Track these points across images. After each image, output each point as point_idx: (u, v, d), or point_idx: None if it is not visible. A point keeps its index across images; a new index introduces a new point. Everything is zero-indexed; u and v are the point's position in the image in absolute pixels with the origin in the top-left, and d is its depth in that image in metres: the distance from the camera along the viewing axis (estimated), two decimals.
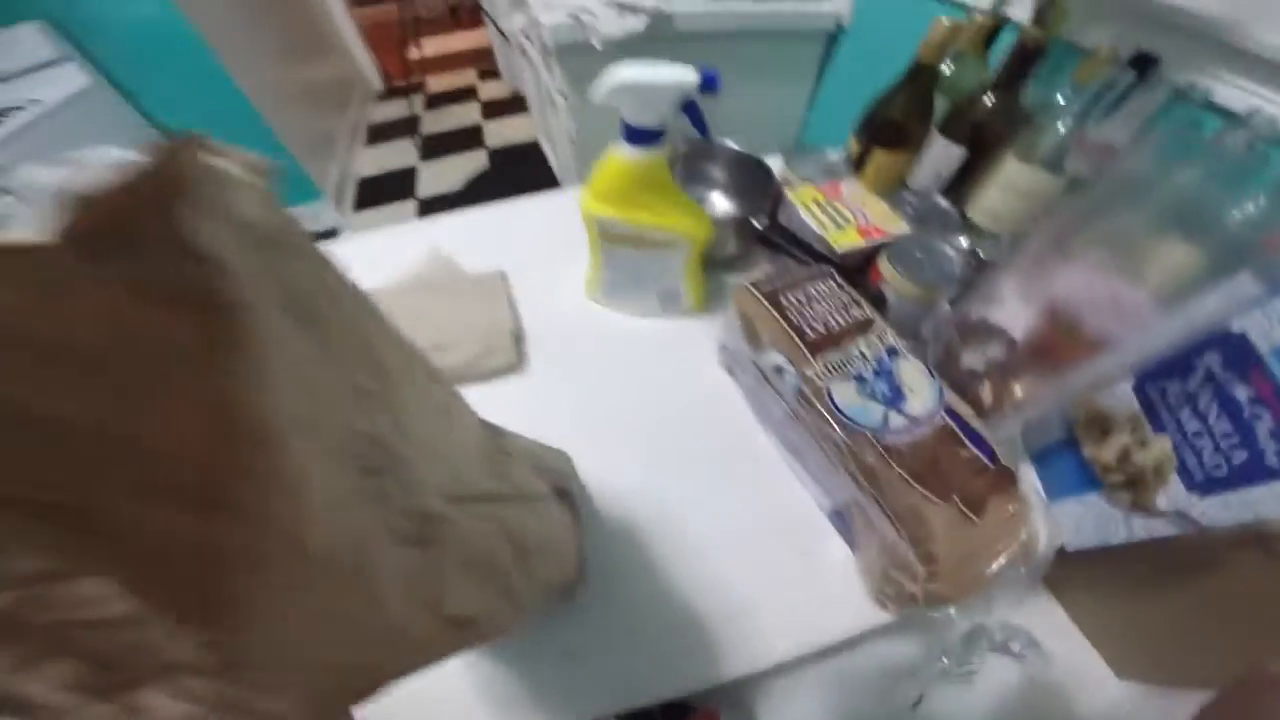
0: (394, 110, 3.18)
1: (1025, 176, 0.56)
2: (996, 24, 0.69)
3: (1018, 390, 0.46)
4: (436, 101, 3.18)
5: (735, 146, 0.67)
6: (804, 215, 0.56)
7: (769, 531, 0.46)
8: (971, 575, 0.34)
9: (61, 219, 0.10)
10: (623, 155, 0.46)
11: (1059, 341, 0.43)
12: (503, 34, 2.65)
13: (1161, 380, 0.35)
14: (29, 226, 0.10)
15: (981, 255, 0.55)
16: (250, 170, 0.16)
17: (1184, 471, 0.33)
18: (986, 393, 0.48)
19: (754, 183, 0.65)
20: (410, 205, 2.43)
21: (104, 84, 1.64)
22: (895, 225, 0.56)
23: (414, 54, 2.88)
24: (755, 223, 0.58)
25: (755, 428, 0.52)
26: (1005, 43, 0.71)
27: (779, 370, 0.46)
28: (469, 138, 2.85)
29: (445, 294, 0.61)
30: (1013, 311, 0.47)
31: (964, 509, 0.35)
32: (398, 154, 2.79)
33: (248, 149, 0.15)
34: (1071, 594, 0.43)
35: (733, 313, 0.50)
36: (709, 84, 0.41)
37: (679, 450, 0.50)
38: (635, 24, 1.02)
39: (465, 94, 3.30)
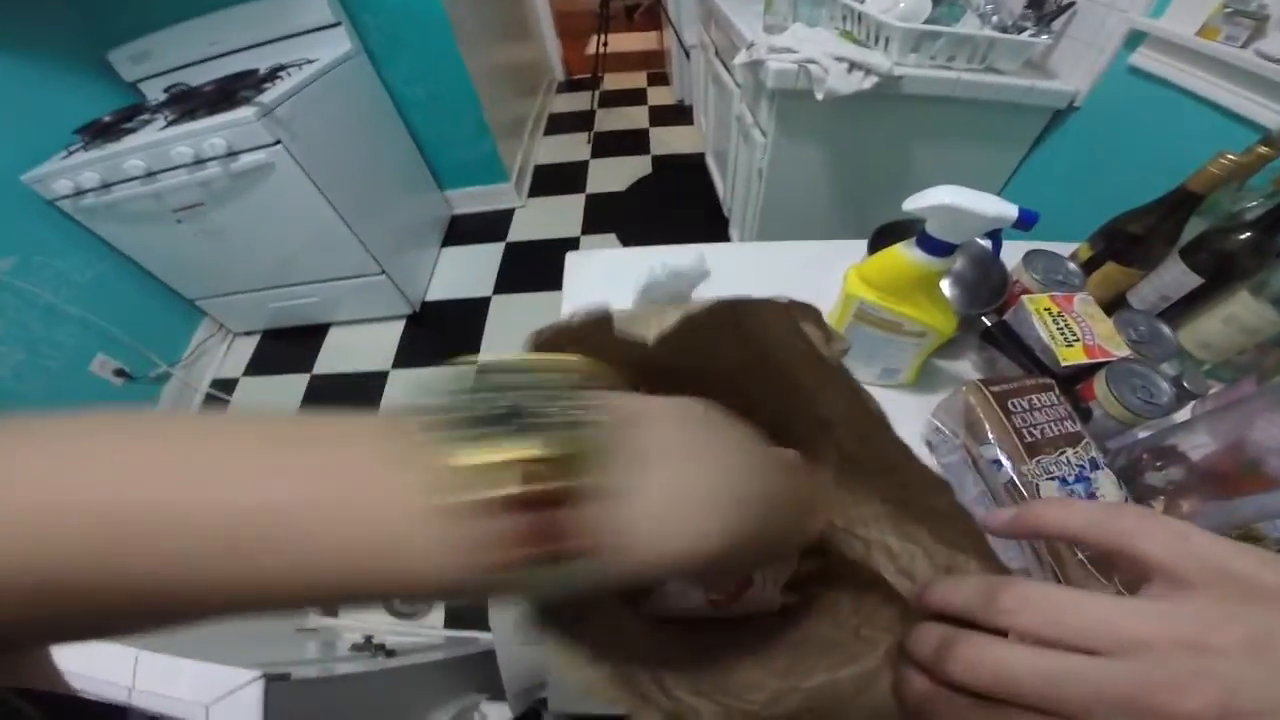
0: (572, 103, 3.36)
1: (1254, 313, 0.56)
2: (1273, 156, 0.68)
3: (1185, 506, 0.49)
4: (609, 100, 3.30)
5: (980, 240, 0.70)
6: (1037, 324, 0.59)
7: None
8: None
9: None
10: (911, 257, 0.51)
11: (1237, 474, 0.45)
12: (683, 46, 2.73)
13: None
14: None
15: (1187, 385, 0.56)
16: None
17: None
18: (1160, 506, 0.51)
19: (985, 277, 0.68)
20: (579, 199, 2.56)
21: (360, 50, 1.84)
22: (1118, 348, 0.57)
23: (592, 49, 2.97)
24: (985, 319, 0.62)
25: None
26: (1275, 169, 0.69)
27: (995, 463, 0.51)
28: (636, 140, 2.95)
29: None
30: (1201, 440, 0.49)
31: (1120, 589, 0.41)
32: (572, 146, 2.94)
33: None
34: None
35: (959, 401, 0.55)
36: (1026, 220, 0.43)
37: None
38: (864, 83, 1.06)
39: (636, 96, 3.42)
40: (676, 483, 0.17)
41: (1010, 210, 0.43)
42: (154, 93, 1.77)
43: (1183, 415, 0.58)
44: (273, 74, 1.54)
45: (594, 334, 0.22)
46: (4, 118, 1.45)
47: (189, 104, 1.45)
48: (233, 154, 1.38)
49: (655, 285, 0.31)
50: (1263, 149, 0.67)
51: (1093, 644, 0.16)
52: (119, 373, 1.69)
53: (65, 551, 0.13)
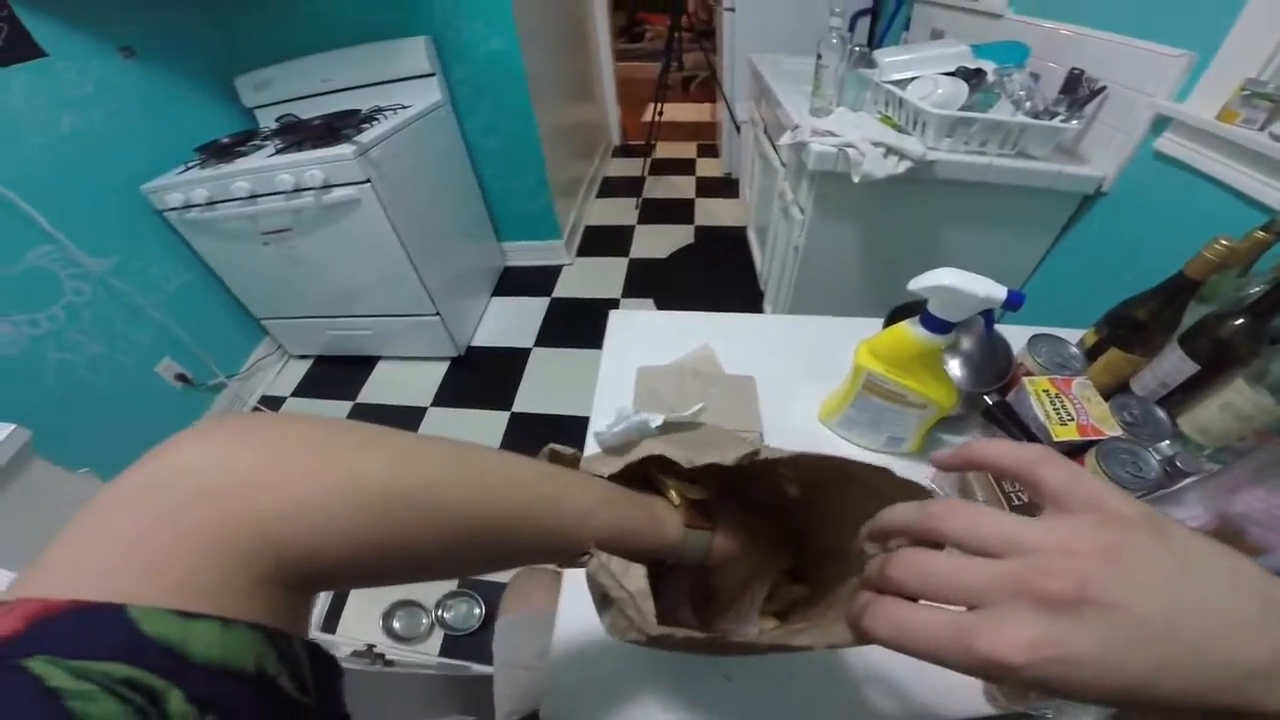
0: (624, 168, 3.54)
1: (1249, 400, 0.57)
2: (1275, 240, 0.70)
3: None
4: (660, 168, 3.44)
5: (983, 322, 0.76)
6: (1034, 404, 0.63)
7: None
8: None
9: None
10: (915, 334, 0.57)
11: (1221, 541, 0.48)
12: (735, 121, 2.86)
13: None
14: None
15: (1180, 464, 0.59)
16: None
17: None
18: None
19: (992, 358, 0.73)
20: (623, 262, 2.66)
21: (447, 101, 2.00)
22: (1110, 428, 0.61)
23: (648, 116, 3.08)
24: (987, 399, 0.67)
25: None
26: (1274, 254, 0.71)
27: None
28: (682, 210, 3.07)
29: (705, 382, 0.75)
30: (1191, 513, 0.51)
31: None
32: (621, 211, 3.07)
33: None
34: None
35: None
36: (1014, 302, 0.49)
37: None
38: (898, 168, 1.16)
39: (685, 165, 3.57)
40: None
41: (999, 292, 0.49)
42: (266, 119, 1.97)
43: None
44: (371, 116, 1.71)
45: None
46: (139, 127, 1.64)
47: (297, 135, 1.61)
48: (327, 187, 1.52)
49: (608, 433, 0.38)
50: (1260, 234, 0.69)
51: (995, 547, 0.22)
52: (180, 377, 1.80)
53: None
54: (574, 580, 0.57)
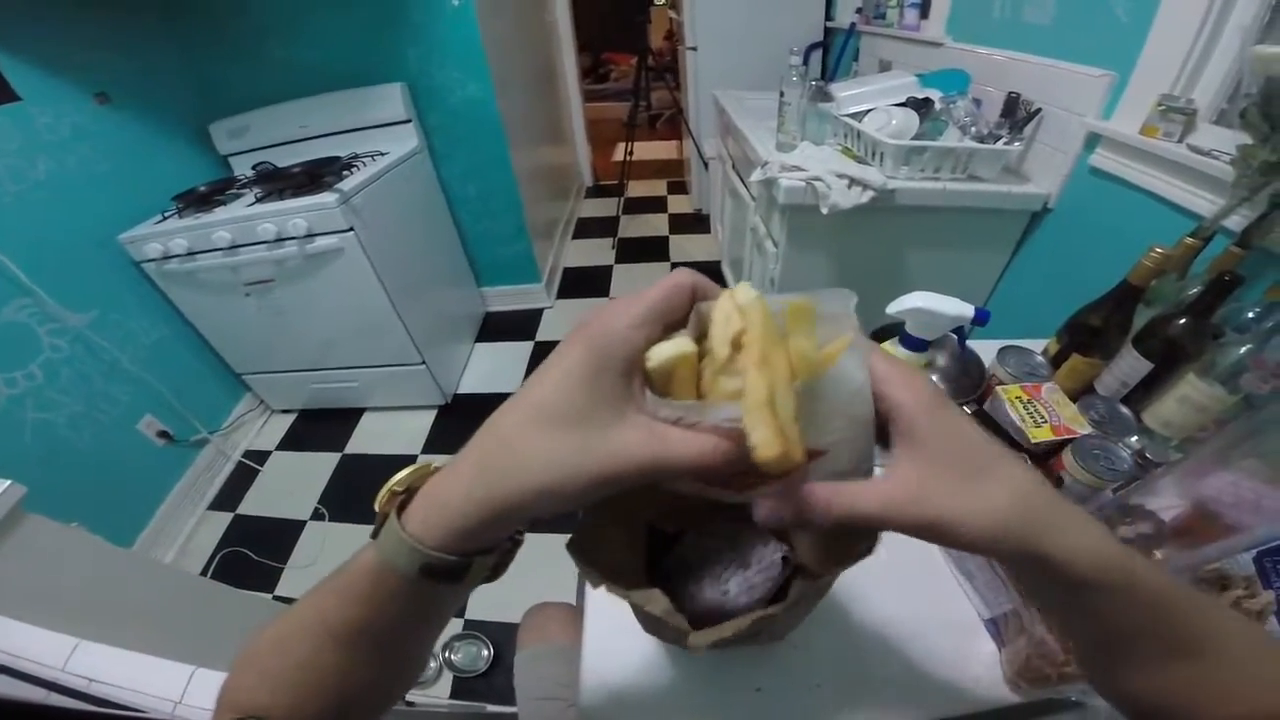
0: (598, 208, 3.59)
1: (1202, 392, 0.63)
2: (1203, 245, 0.77)
3: (1158, 555, 0.55)
4: (633, 206, 3.50)
5: (956, 339, 0.81)
6: (1010, 410, 0.68)
7: (933, 625, 0.57)
8: None
9: None
10: (898, 353, 0.62)
11: (1199, 525, 0.52)
12: (703, 158, 2.94)
13: (1278, 555, 0.48)
14: None
15: (1149, 456, 0.64)
16: None
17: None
18: None
19: (965, 372, 0.78)
20: (603, 303, 2.69)
21: (424, 147, 2.03)
22: (1081, 426, 0.66)
23: (619, 156, 3.12)
24: (965, 409, 0.72)
25: (934, 550, 0.64)
26: (1209, 255, 0.79)
27: None
28: (656, 247, 3.13)
29: None
30: (1166, 502, 0.56)
31: None
32: (598, 251, 3.12)
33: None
34: None
35: None
36: (981, 319, 0.55)
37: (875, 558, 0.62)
38: (862, 198, 1.23)
39: (657, 203, 3.64)
40: None
41: (967, 310, 0.55)
42: (241, 167, 1.96)
43: None
44: (350, 163, 1.72)
45: None
46: (114, 175, 1.62)
47: (277, 183, 1.60)
48: (310, 236, 1.52)
49: None
50: (1190, 240, 0.78)
51: None
52: (162, 434, 1.76)
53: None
54: (596, 611, 0.58)
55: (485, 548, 0.27)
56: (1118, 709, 0.32)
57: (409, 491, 0.27)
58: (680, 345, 0.26)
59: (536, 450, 0.24)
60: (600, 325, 0.25)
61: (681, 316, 0.28)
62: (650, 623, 0.41)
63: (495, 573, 0.30)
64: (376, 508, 0.28)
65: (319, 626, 0.28)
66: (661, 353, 0.25)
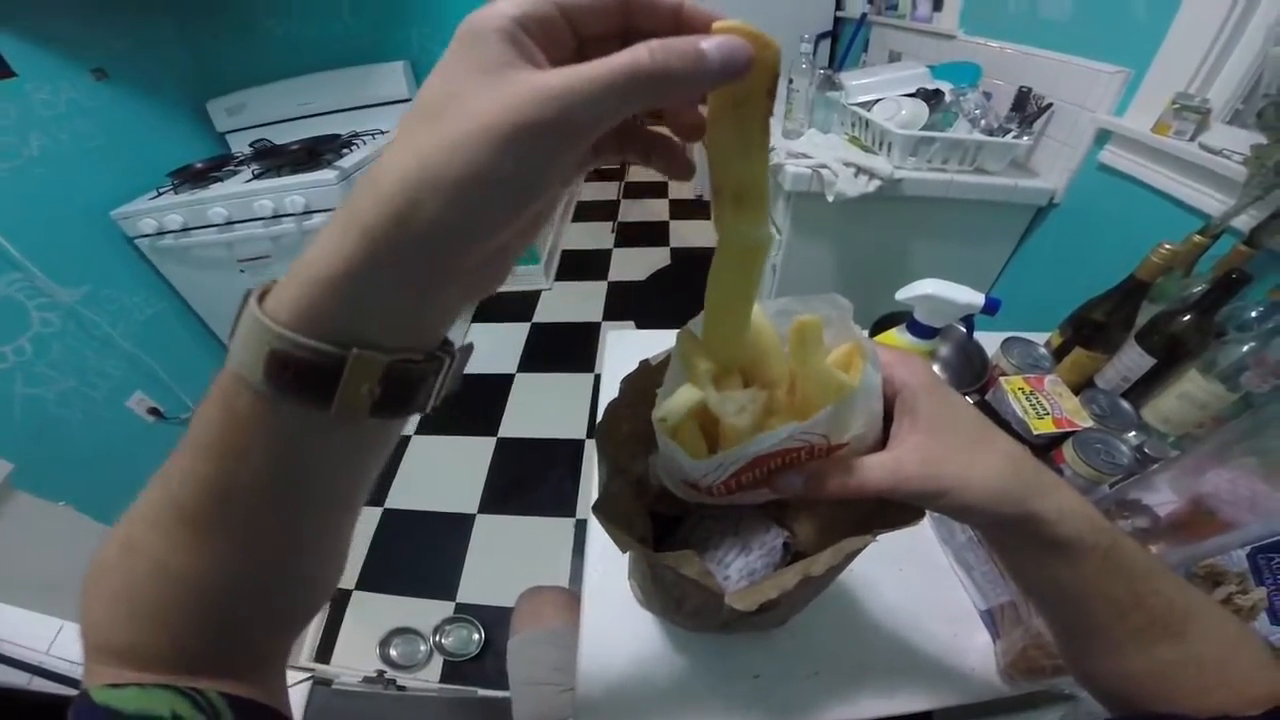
0: (598, 191, 3.56)
1: (1203, 389, 0.64)
2: (1210, 242, 0.77)
3: (1154, 550, 0.55)
4: (633, 191, 3.47)
5: (961, 329, 0.80)
6: (1012, 401, 0.68)
7: (931, 616, 0.57)
8: None
9: None
10: (902, 339, 0.62)
11: (1196, 521, 0.52)
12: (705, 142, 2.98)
13: (1271, 553, 0.48)
14: None
15: (1148, 451, 0.64)
16: None
17: (1271, 611, 0.47)
18: None
19: (969, 362, 0.78)
20: (601, 286, 2.69)
21: None
22: (1082, 420, 0.66)
23: None
24: (968, 399, 0.72)
25: (934, 542, 0.64)
26: (1215, 254, 0.79)
27: None
28: (656, 232, 3.12)
29: None
30: (1163, 497, 0.56)
31: None
32: (597, 235, 3.11)
33: None
34: None
35: None
36: (992, 307, 0.55)
37: (875, 548, 0.62)
38: (869, 187, 1.22)
39: (658, 188, 3.60)
40: None
41: (978, 298, 0.55)
42: (239, 145, 1.94)
43: None
44: (350, 141, 1.72)
45: None
46: (110, 151, 1.60)
47: (275, 160, 1.60)
48: (308, 213, 1.52)
49: None
50: (1198, 237, 0.78)
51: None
52: (153, 411, 1.73)
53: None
54: (595, 595, 0.58)
55: (377, 342, 0.18)
56: (1097, 696, 0.33)
57: None
58: (691, 395, 0.29)
59: (433, 136, 0.17)
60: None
61: (601, 30, 0.20)
62: (670, 594, 0.40)
63: (403, 393, 0.20)
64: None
65: (168, 509, 0.21)
66: (675, 406, 0.28)
